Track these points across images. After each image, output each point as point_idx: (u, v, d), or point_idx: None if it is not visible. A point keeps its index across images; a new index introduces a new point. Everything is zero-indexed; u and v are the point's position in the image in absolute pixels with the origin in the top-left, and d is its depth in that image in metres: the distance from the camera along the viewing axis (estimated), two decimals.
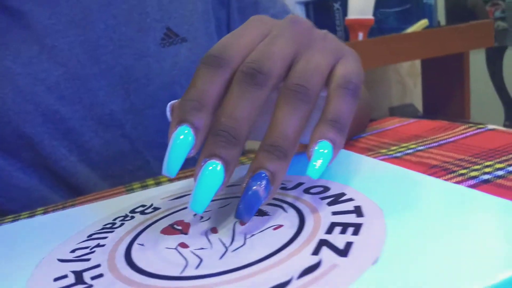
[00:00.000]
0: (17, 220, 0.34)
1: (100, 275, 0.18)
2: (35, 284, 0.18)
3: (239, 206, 0.20)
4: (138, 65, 0.44)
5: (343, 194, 0.23)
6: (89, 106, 0.43)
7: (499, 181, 0.27)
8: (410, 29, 1.11)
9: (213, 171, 0.20)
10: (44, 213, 0.34)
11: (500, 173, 0.28)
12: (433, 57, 1.17)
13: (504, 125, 1.77)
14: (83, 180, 0.43)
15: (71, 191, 0.44)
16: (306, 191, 0.24)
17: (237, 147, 0.20)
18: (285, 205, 0.22)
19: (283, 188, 0.25)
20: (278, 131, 0.21)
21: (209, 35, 0.49)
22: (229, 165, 0.20)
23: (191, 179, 0.31)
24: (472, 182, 0.28)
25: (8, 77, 0.40)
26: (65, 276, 0.19)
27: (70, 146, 0.43)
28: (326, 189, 0.24)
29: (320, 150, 0.21)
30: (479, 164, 0.31)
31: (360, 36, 1.02)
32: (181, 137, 0.20)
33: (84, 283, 0.18)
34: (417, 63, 1.58)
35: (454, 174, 0.30)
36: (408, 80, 1.68)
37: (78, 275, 0.18)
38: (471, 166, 0.31)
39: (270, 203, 0.23)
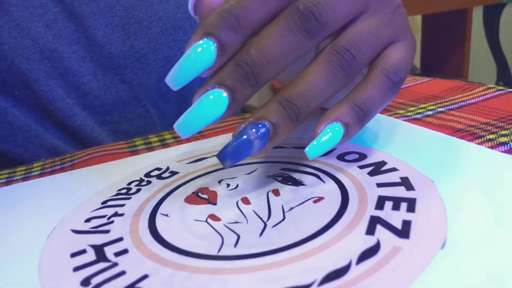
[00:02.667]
0: (29, 173, 0.31)
1: (125, 251, 0.16)
2: (50, 260, 0.16)
3: (226, 148, 0.18)
4: (139, 5, 0.41)
5: (383, 163, 0.21)
6: (87, 47, 0.40)
7: None
8: None
9: (215, 100, 0.18)
10: (42, 169, 0.32)
11: None
12: (435, 13, 1.13)
13: (497, 85, 1.77)
14: (79, 124, 0.41)
15: (67, 135, 0.42)
16: (340, 157, 0.22)
17: (253, 88, 0.18)
18: (321, 174, 0.20)
19: None
20: (303, 89, 0.18)
21: None
22: (235, 103, 0.18)
23: (205, 140, 0.29)
24: (503, 148, 0.26)
25: (3, 7, 0.36)
26: (83, 251, 0.16)
27: (67, 88, 0.40)
28: (362, 156, 0.22)
29: (330, 133, 0.18)
30: (507, 129, 0.29)
31: None
32: (199, 49, 0.17)
33: (107, 260, 0.16)
34: (418, 18, 1.53)
35: (483, 140, 0.28)
36: None
37: (99, 251, 0.16)
38: (498, 131, 0.29)
39: (303, 171, 0.21)
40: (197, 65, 0.17)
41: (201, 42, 0.17)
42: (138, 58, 0.42)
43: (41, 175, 0.31)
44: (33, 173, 0.31)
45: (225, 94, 0.18)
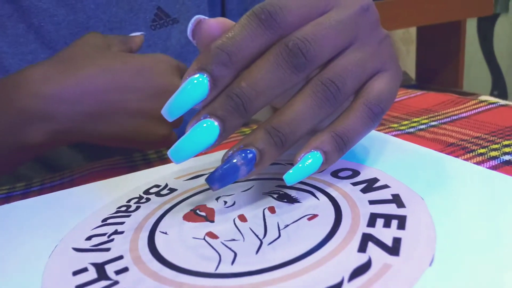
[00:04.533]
0: (29, 188, 0.32)
1: (125, 269, 0.17)
2: (53, 278, 0.17)
3: (215, 173, 0.19)
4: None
5: (376, 180, 0.21)
6: None
7: None
8: None
9: (207, 129, 0.19)
10: (42, 184, 0.32)
11: None
12: (429, 25, 1.15)
13: (492, 95, 1.79)
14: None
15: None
16: (334, 174, 0.23)
17: (243, 118, 0.19)
18: (315, 191, 0.21)
19: None
20: (289, 118, 0.19)
21: (201, 15, 0.46)
22: (226, 132, 0.19)
23: (202, 157, 0.30)
24: (493, 162, 0.27)
25: None
26: (84, 270, 0.17)
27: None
28: (356, 173, 0.23)
29: (309, 160, 0.19)
30: (497, 143, 0.30)
31: None
32: (195, 81, 0.19)
33: (108, 278, 0.16)
34: (412, 29, 1.56)
35: (473, 154, 0.29)
36: (401, 46, 1.65)
37: (100, 269, 0.17)
38: (489, 145, 0.30)
39: (299, 188, 0.22)
40: (192, 97, 0.19)
41: (195, 76, 0.19)
42: None
43: (41, 190, 0.31)
44: (32, 188, 0.32)
45: (216, 123, 0.19)
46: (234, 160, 0.19)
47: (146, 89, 0.31)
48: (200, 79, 0.19)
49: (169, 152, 0.19)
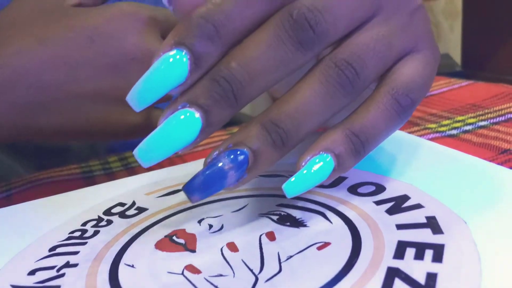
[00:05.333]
0: None
1: None
2: None
3: (194, 180, 0.19)
4: None
5: (406, 198, 0.22)
6: None
7: None
8: None
9: (186, 122, 0.19)
10: None
11: None
12: None
13: None
14: None
15: None
16: (352, 190, 0.23)
17: (232, 109, 0.19)
18: (326, 211, 0.22)
19: (319, 186, 0.24)
20: (293, 109, 0.19)
21: None
22: (210, 127, 0.19)
23: (178, 166, 0.30)
24: None
25: None
26: None
27: None
28: (380, 188, 0.23)
29: (317, 165, 0.20)
30: None
31: None
32: (171, 60, 0.18)
33: None
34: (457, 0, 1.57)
35: None
36: (443, 21, 1.67)
37: None
38: None
39: (305, 207, 0.22)
40: (166, 80, 0.18)
41: (171, 53, 0.18)
42: None
43: None
44: None
45: (197, 115, 0.19)
46: (220, 164, 0.19)
47: (102, 61, 0.30)
48: (178, 56, 0.18)
49: (136, 151, 0.19)
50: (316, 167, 0.20)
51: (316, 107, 0.19)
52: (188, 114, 0.19)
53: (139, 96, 0.19)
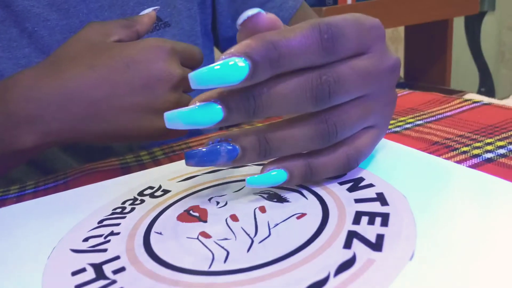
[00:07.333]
0: (23, 191, 0.32)
1: (122, 269, 0.17)
2: (52, 279, 0.17)
3: (196, 152, 0.20)
4: None
5: (361, 179, 0.22)
6: None
7: (502, 160, 0.27)
8: None
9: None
10: (36, 187, 0.33)
11: (502, 151, 0.29)
12: (417, 24, 1.16)
13: (480, 92, 1.81)
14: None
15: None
16: None
17: (247, 118, 0.19)
18: (304, 191, 0.22)
19: None
20: (284, 138, 0.20)
21: (192, 17, 0.47)
22: (227, 120, 0.19)
23: None
24: (475, 160, 0.28)
25: None
26: (83, 270, 0.18)
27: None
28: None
29: (274, 176, 0.21)
30: (480, 141, 0.31)
31: (349, 0, 1.00)
32: (237, 62, 0.17)
33: (106, 277, 0.17)
34: (400, 28, 1.57)
35: (457, 152, 0.30)
36: (390, 44, 1.67)
37: (98, 269, 0.18)
38: (472, 143, 0.31)
39: (289, 188, 0.22)
40: (225, 75, 0.18)
41: (241, 61, 0.18)
42: None
43: (35, 193, 0.32)
44: (26, 191, 0.32)
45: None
46: (218, 147, 0.20)
47: (136, 81, 0.30)
48: (243, 64, 0.17)
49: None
50: (273, 177, 0.21)
51: (299, 144, 0.20)
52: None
53: (200, 77, 0.18)
